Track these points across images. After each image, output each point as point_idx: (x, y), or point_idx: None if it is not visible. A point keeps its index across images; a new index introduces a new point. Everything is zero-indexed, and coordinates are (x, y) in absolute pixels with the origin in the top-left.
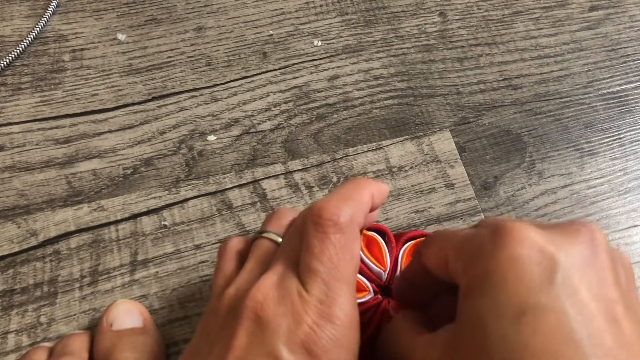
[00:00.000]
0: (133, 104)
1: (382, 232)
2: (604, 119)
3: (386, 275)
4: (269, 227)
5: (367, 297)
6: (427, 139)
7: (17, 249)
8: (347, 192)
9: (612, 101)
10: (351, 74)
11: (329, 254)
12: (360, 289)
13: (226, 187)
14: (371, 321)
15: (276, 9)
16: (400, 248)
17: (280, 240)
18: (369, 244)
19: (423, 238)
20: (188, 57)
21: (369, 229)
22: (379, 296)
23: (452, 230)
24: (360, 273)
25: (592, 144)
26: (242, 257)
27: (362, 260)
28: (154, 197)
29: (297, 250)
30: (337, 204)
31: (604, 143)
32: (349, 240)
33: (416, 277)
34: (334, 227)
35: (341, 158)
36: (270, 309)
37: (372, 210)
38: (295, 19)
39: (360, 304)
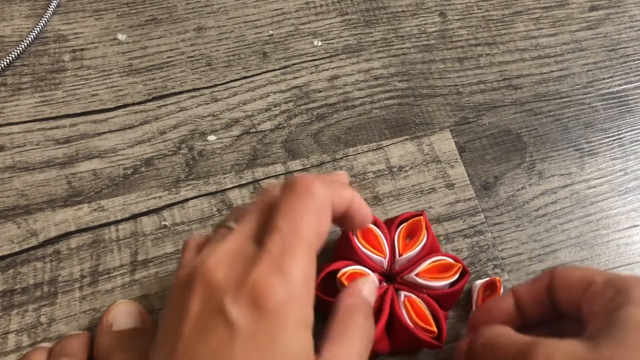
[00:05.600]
0: (133, 104)
1: (372, 221)
2: (604, 119)
3: (387, 262)
4: (227, 218)
5: None
6: (427, 139)
7: (17, 249)
8: (324, 176)
9: (612, 101)
10: (351, 74)
11: (295, 214)
12: None
13: (226, 187)
14: (382, 309)
15: (276, 9)
16: (395, 232)
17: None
18: (365, 235)
19: (416, 218)
20: (188, 57)
21: None
22: (384, 284)
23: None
24: (364, 265)
25: (592, 144)
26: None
27: (362, 252)
28: (154, 197)
29: (258, 223)
30: (312, 177)
31: (604, 143)
32: (317, 208)
33: (542, 296)
34: (305, 192)
35: (341, 158)
36: (221, 271)
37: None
38: (295, 19)
39: None
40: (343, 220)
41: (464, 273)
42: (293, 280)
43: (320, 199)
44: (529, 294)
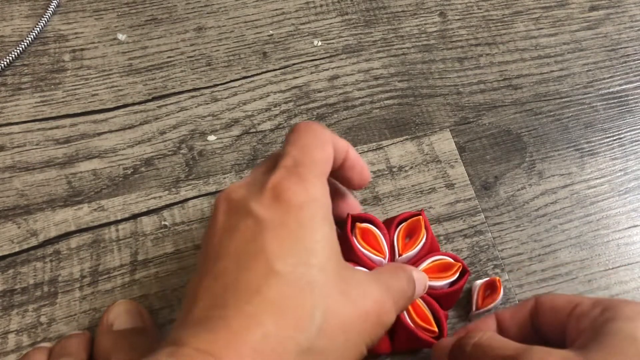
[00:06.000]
0: (133, 104)
1: (371, 221)
2: (604, 119)
3: (386, 263)
4: None
5: None
6: (427, 139)
7: (17, 249)
8: None
9: (612, 101)
10: (351, 74)
11: (302, 143)
12: None
13: (226, 187)
14: None
15: (276, 9)
16: (394, 232)
17: None
18: (365, 235)
19: (415, 218)
20: (188, 57)
21: (360, 220)
22: None
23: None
24: (363, 265)
25: (592, 144)
26: None
27: (362, 253)
28: (154, 197)
29: (269, 164)
30: (312, 121)
31: (604, 143)
32: (321, 139)
33: (525, 318)
34: (307, 129)
35: None
36: (241, 191)
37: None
38: (295, 19)
39: None
40: (343, 171)
41: (463, 272)
42: (310, 183)
43: (322, 134)
44: (512, 317)
